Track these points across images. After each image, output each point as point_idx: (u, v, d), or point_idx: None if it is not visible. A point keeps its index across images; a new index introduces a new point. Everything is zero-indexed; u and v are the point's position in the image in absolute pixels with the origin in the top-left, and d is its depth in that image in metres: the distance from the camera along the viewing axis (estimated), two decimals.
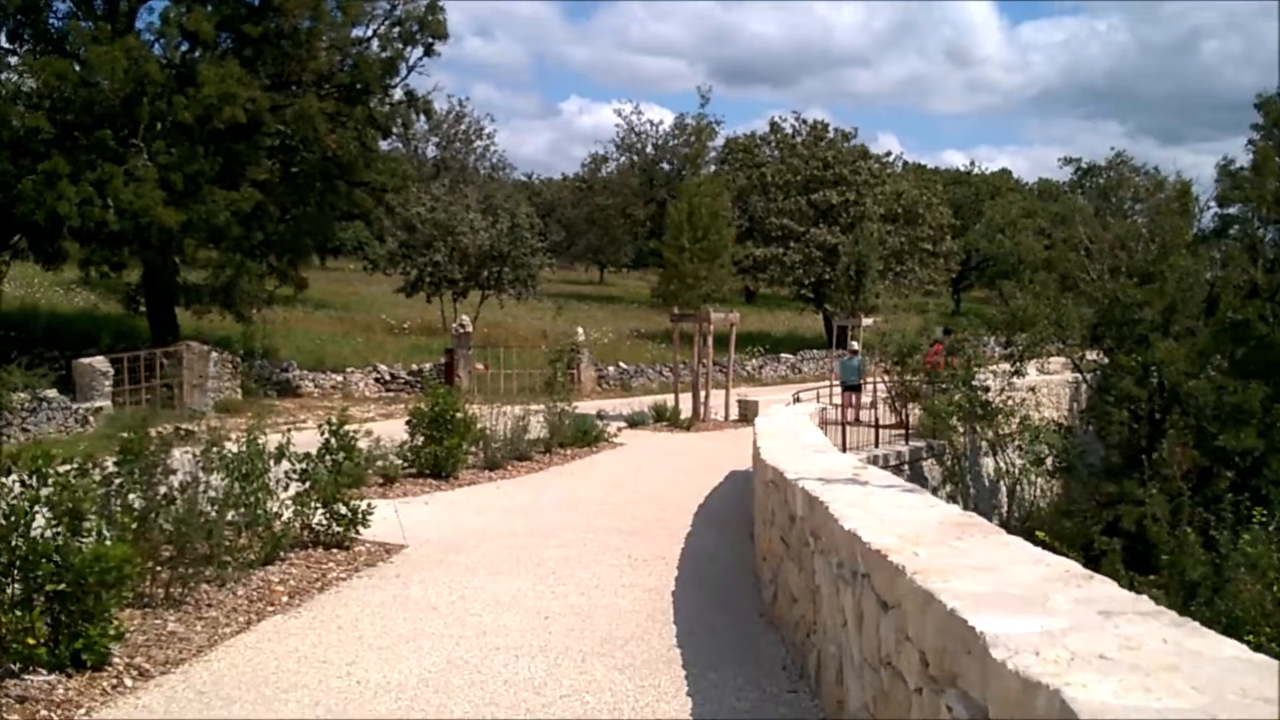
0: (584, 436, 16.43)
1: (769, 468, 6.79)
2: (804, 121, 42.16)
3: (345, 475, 8.75)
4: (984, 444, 19.77)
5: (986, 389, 16.59)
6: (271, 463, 8.03)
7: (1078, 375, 24.63)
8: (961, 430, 18.24)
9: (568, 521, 10.64)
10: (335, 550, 8.59)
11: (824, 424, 15.09)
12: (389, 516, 10.31)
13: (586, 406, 21.30)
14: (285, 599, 7.18)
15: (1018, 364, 17.51)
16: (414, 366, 26.76)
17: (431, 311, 36.74)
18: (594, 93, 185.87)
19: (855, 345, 19.97)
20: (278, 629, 6.50)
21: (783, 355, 36.10)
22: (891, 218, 38.19)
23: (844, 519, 4.37)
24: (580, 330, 29.28)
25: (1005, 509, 20.72)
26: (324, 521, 8.66)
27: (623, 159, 60.07)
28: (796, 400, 15.53)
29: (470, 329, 26.28)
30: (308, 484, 8.58)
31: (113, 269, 23.49)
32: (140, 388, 19.41)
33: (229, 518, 7.48)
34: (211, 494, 7.29)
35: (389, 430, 13.89)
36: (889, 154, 43.82)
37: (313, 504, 8.51)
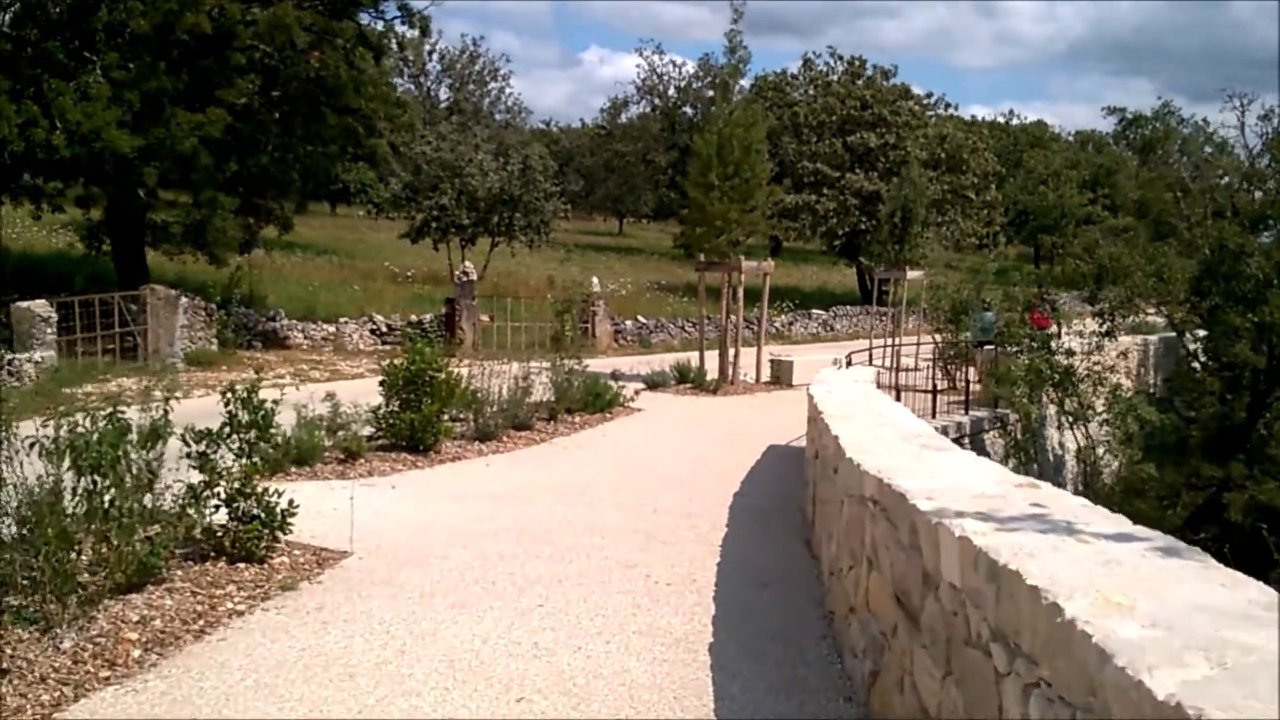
0: (595, 401, 14.02)
1: (866, 476, 4.37)
2: (839, 58, 39.03)
3: (255, 463, 6.37)
4: (1049, 413, 17.32)
5: (1070, 353, 14.02)
6: (140, 444, 5.71)
7: (1146, 337, 22.03)
8: (1030, 399, 15.76)
9: (568, 515, 8.29)
10: (244, 564, 6.26)
11: (878, 387, 12.67)
12: (339, 507, 8.05)
13: (600, 365, 18.91)
14: (137, 653, 4.85)
15: (1109, 323, 14.88)
16: (413, 317, 24.41)
17: (438, 259, 34.31)
18: (614, 42, 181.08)
19: (988, 299, 17.09)
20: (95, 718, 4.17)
21: (813, 311, 33.50)
22: (934, 163, 35.22)
23: (1139, 668, 1.96)
24: (595, 281, 26.76)
25: (1073, 488, 18.31)
26: (228, 524, 6.32)
27: (643, 103, 57.20)
28: (848, 363, 13.05)
29: (474, 277, 23.83)
30: (208, 474, 6.23)
31: (78, 204, 21.14)
32: (95, 336, 17.16)
33: (70, 526, 5.18)
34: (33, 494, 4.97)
35: (373, 389, 11.50)
36: (930, 95, 40.52)
37: (209, 501, 6.17)
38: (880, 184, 33.56)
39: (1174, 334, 20.62)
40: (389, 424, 10.68)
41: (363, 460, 9.94)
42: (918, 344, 20.41)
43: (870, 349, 20.13)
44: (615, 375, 16.76)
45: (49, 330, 15.51)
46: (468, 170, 31.72)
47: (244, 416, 6.35)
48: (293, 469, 9.36)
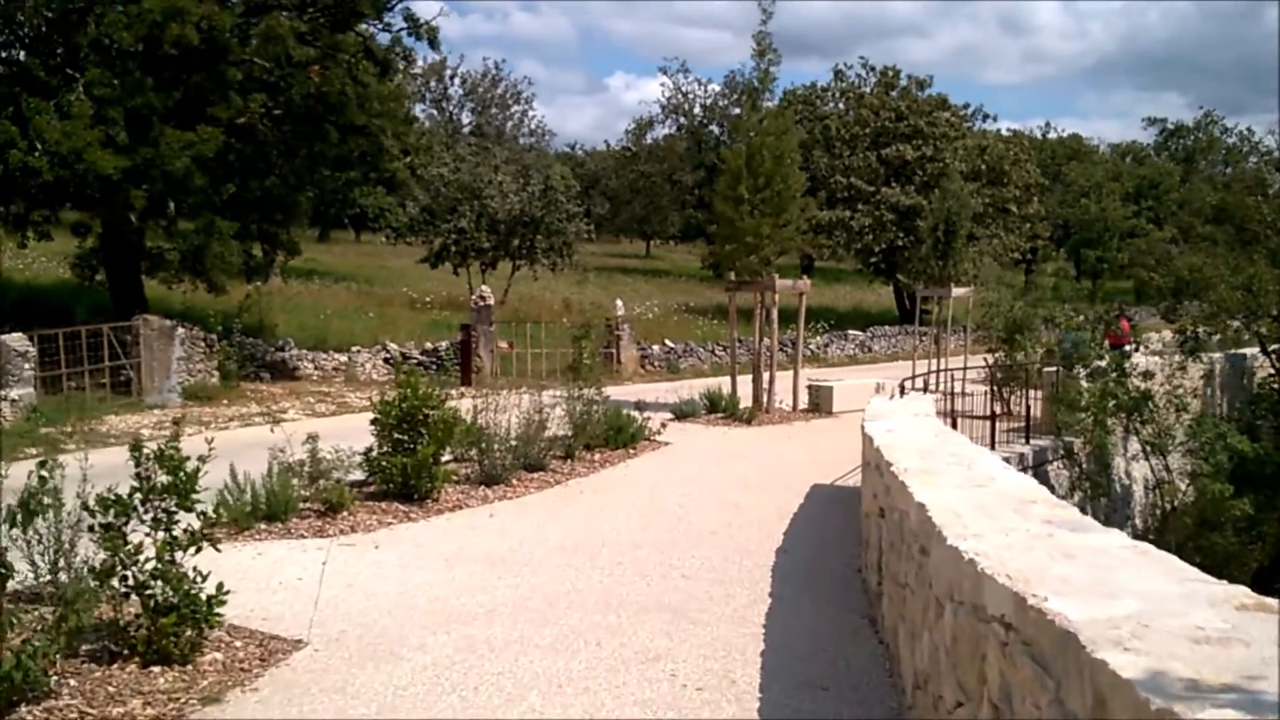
0: (618, 435, 12.63)
1: (988, 583, 2.96)
2: (871, 69, 37.63)
3: (175, 539, 5.03)
4: (1115, 441, 15.77)
5: (1148, 375, 12.49)
6: (9, 519, 4.41)
7: (1212, 356, 20.37)
8: (1100, 427, 14.23)
9: (578, 583, 6.91)
10: (160, 667, 4.93)
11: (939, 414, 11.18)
12: (306, 575, 6.78)
13: (625, 393, 17.61)
14: None
15: (1192, 342, 13.34)
16: (428, 345, 23.23)
17: (459, 284, 33.18)
18: (639, 68, 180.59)
19: (1080, 317, 15.54)
20: None
21: (850, 332, 32.03)
22: (974, 175, 33.64)
23: None
24: (619, 304, 25.45)
25: (1143, 521, 16.70)
26: (139, 618, 5.00)
27: (669, 123, 56.02)
28: (902, 391, 11.61)
29: (491, 301, 22.59)
30: (112, 552, 4.92)
31: (73, 232, 20.19)
32: (84, 371, 16.04)
33: None
34: None
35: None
36: (967, 105, 38.91)
37: (117, 588, 4.85)
38: (918, 198, 32.06)
39: (1239, 352, 18.98)
40: (379, 469, 9.38)
41: (346, 513, 8.61)
42: (965, 366, 18.92)
43: (915, 373, 18.63)
44: (640, 405, 15.40)
45: (27, 366, 14.38)
46: (487, 192, 30.64)
47: (161, 478, 5.03)
48: (262, 526, 8.08)
